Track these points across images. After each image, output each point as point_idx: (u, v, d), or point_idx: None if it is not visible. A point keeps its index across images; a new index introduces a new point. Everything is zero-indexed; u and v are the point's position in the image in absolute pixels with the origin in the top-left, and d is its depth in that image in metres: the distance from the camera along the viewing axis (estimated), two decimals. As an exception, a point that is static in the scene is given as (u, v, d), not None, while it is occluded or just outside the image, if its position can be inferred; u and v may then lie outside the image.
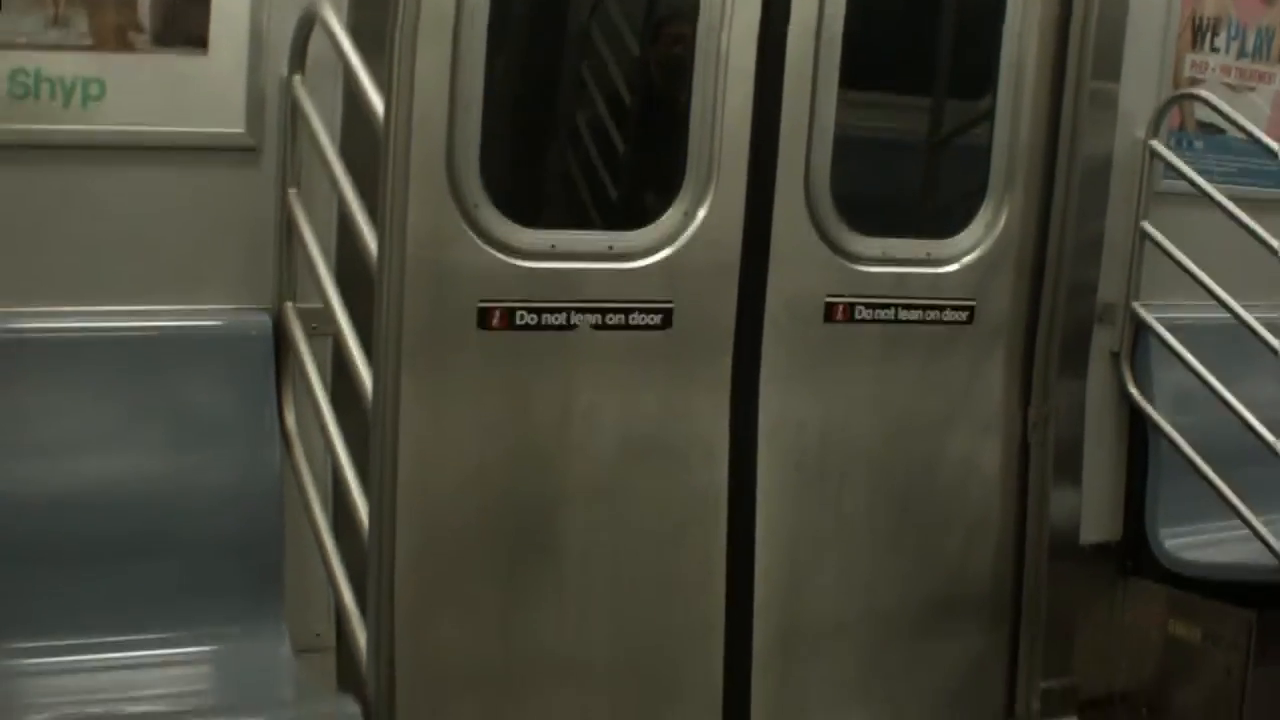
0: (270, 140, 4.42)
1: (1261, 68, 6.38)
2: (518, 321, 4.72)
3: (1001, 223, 5.56)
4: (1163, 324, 5.97)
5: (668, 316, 4.95)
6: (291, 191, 4.39)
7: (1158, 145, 5.95)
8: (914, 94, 5.78)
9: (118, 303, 4.31)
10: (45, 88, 4.18)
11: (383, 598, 3.60)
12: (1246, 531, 5.68)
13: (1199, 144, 6.22)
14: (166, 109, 4.30)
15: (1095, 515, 6.09)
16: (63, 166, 4.25)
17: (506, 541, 4.86)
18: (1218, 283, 5.78)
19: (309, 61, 4.37)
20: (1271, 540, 5.54)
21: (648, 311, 4.92)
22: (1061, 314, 5.63)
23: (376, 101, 3.70)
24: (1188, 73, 6.15)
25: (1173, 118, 6.10)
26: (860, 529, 5.47)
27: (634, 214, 5.09)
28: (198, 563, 4.25)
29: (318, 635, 4.50)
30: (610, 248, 4.91)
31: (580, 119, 5.42)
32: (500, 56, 4.85)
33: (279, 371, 4.43)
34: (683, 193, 4.98)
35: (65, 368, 4.25)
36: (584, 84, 5.45)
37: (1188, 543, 6.02)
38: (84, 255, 4.28)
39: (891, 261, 5.37)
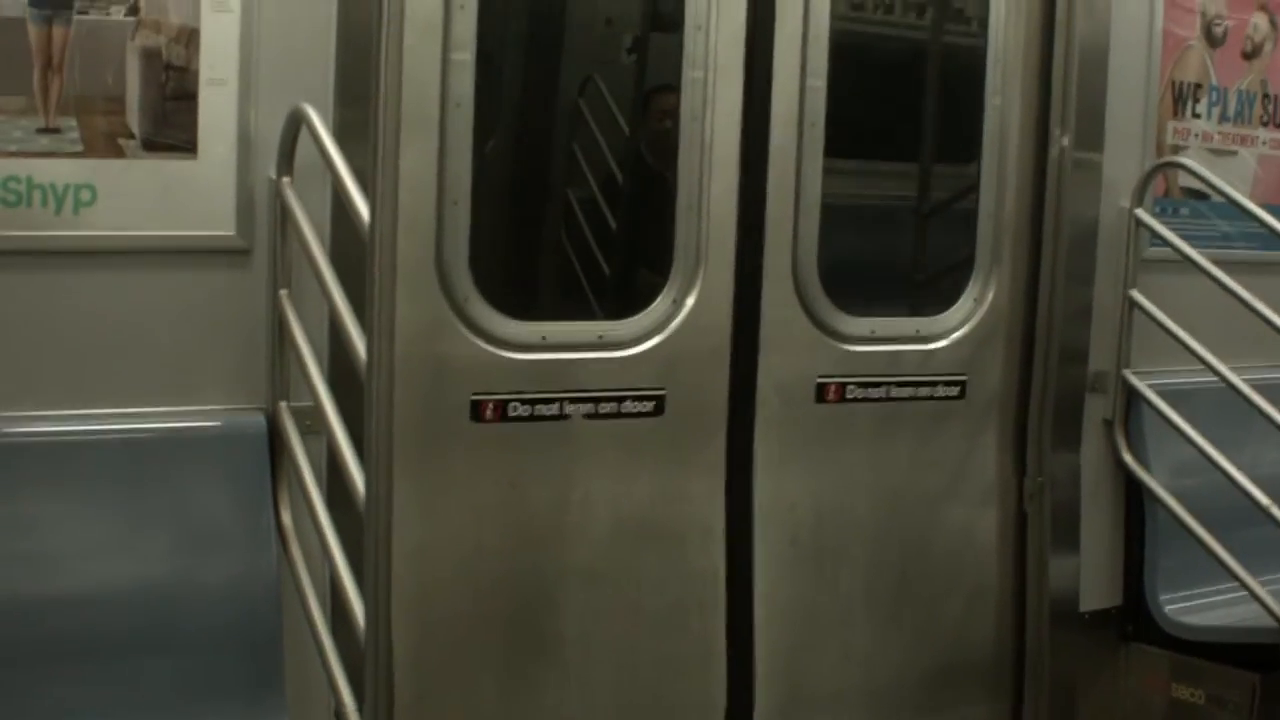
0: (261, 242, 4.45)
1: (1244, 131, 6.42)
2: (510, 413, 4.74)
3: (990, 296, 5.60)
4: (1154, 390, 5.98)
5: (660, 403, 4.97)
6: (283, 292, 4.41)
7: (1143, 214, 5.97)
8: (898, 171, 5.82)
9: (113, 406, 4.32)
10: (37, 194, 4.21)
11: (380, 697, 3.59)
12: (1245, 593, 5.67)
13: (1184, 210, 6.25)
14: (157, 213, 4.34)
15: (1094, 582, 6.09)
16: (55, 272, 4.27)
17: (505, 631, 4.86)
18: (1207, 347, 5.79)
19: (298, 162, 4.39)
20: (1271, 602, 5.54)
21: (640, 399, 4.94)
22: (1053, 384, 5.65)
23: (360, 204, 3.70)
24: (1170, 140, 6.18)
25: (1158, 185, 6.13)
26: (859, 604, 5.47)
27: (624, 303, 5.13)
28: (198, 663, 4.26)
29: (319, 732, 4.51)
30: (601, 337, 4.93)
31: (567, 206, 5.46)
32: (487, 149, 4.89)
33: (275, 470, 4.44)
34: (671, 280, 5.02)
35: (61, 471, 4.27)
36: (571, 176, 5.50)
37: (1188, 607, 6.02)
38: (78, 360, 4.30)
39: (881, 340, 5.40)
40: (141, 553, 4.33)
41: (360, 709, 3.78)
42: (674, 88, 5.06)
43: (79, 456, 4.31)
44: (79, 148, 4.25)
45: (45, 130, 4.21)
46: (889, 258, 5.90)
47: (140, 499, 4.33)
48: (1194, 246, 5.94)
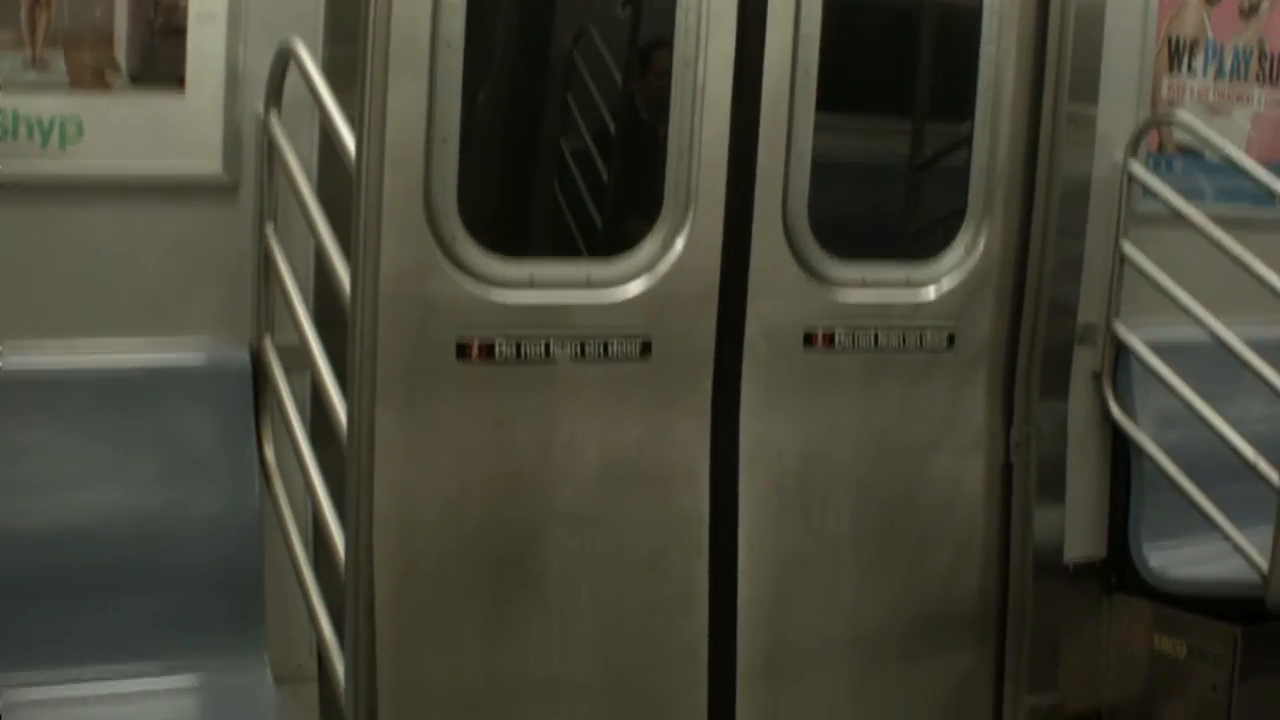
0: (248, 177, 4.45)
1: (1239, 89, 6.40)
2: (497, 354, 4.74)
3: (981, 246, 5.58)
4: (1143, 343, 5.99)
5: (647, 346, 4.96)
6: (269, 227, 4.42)
7: (1136, 167, 5.98)
8: (892, 119, 5.81)
9: (97, 340, 4.34)
10: (24, 128, 4.21)
11: (360, 633, 3.58)
12: (1229, 547, 5.68)
13: (1178, 165, 6.24)
14: (144, 148, 4.34)
15: (1079, 533, 6.11)
16: (42, 206, 4.28)
17: (488, 570, 4.87)
18: (1198, 302, 5.80)
19: (286, 98, 4.39)
20: (1255, 555, 5.53)
21: (627, 341, 4.93)
22: (1042, 335, 5.64)
23: (348, 138, 3.70)
24: (1165, 94, 6.17)
25: (1151, 139, 6.13)
26: (843, 552, 5.47)
27: (612, 244, 5.13)
28: (180, 596, 4.28)
29: (299, 666, 4.51)
30: (589, 278, 4.92)
31: (557, 150, 5.45)
32: (477, 88, 4.88)
33: (258, 406, 4.45)
34: (660, 222, 5.00)
35: (44, 403, 4.29)
36: (561, 115, 5.47)
37: (1172, 559, 6.05)
38: (63, 293, 4.31)
39: (871, 287, 5.39)
40: (124, 487, 4.34)
41: (341, 645, 3.79)
42: (663, 47, 5.04)
43: (62, 390, 4.33)
44: (66, 81, 4.24)
45: (32, 64, 4.21)
46: (881, 206, 5.89)
47: (123, 433, 4.34)
48: (1187, 202, 5.93)
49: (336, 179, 4.09)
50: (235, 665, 4.26)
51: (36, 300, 4.29)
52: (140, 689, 4.18)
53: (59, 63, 4.21)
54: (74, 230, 4.31)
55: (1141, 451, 6.01)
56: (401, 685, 4.59)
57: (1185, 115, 6.08)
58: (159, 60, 4.32)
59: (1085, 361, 6.07)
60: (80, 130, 4.25)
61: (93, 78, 4.25)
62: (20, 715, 4.00)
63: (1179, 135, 6.21)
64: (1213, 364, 5.83)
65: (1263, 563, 5.48)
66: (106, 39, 4.25)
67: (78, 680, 4.14)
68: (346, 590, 3.63)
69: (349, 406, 3.59)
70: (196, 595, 4.29)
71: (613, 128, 5.50)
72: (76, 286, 4.32)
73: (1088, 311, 6.02)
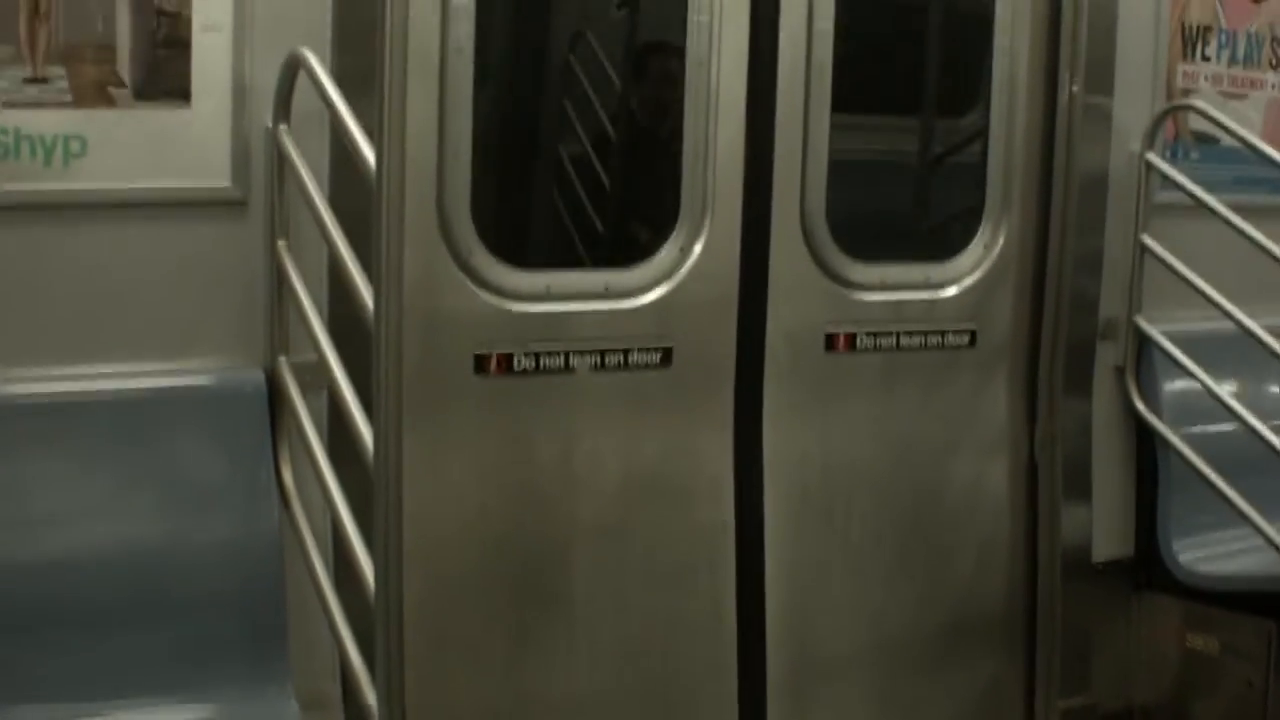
0: (257, 192, 4.38)
1: (1253, 74, 6.35)
2: (515, 366, 4.67)
3: (1000, 243, 5.51)
4: (1166, 337, 5.92)
5: (667, 355, 4.90)
6: (281, 243, 4.34)
7: (1153, 157, 5.91)
8: (906, 116, 5.74)
9: (106, 364, 4.26)
10: (25, 146, 4.14)
11: (391, 657, 3.53)
12: (1260, 541, 5.61)
13: (1195, 154, 6.18)
14: (150, 164, 4.27)
15: (1107, 532, 6.06)
16: (46, 227, 4.21)
17: (512, 587, 4.80)
18: (1220, 292, 5.73)
19: (294, 110, 4.32)
20: (1286, 548, 5.49)
21: (647, 350, 4.87)
22: (1064, 332, 5.58)
23: (367, 150, 3.64)
24: (1180, 83, 6.12)
25: (1167, 129, 6.07)
26: (870, 558, 5.41)
27: (629, 252, 5.04)
28: (200, 625, 4.21)
29: (323, 693, 4.45)
30: (606, 287, 4.85)
31: (571, 158, 5.37)
32: (487, 97, 4.80)
33: (274, 427, 4.38)
34: (678, 229, 4.94)
35: (55, 432, 4.21)
36: (573, 122, 5.40)
37: (1201, 555, 5.98)
38: (70, 317, 4.24)
39: (891, 288, 5.33)
40: (139, 515, 4.28)
41: (368, 669, 3.71)
42: (674, 50, 4.98)
43: (72, 417, 4.26)
44: (68, 98, 4.17)
45: (33, 80, 4.14)
46: (899, 206, 5.83)
47: (136, 460, 4.28)
48: (1205, 191, 5.86)
49: (348, 191, 4.02)
50: (258, 694, 4.19)
51: (42, 325, 4.22)
52: (162, 721, 4.09)
53: (60, 78, 4.13)
54: (79, 251, 4.24)
55: (1167, 446, 5.95)
56: (427, 706, 4.49)
57: (1202, 103, 6.01)
58: (163, 73, 4.25)
59: (1108, 357, 6.01)
60: (84, 147, 4.18)
61: (95, 93, 4.18)
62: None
63: (1194, 123, 6.14)
64: (1236, 356, 5.79)
65: (1295, 556, 5.43)
66: (109, 53, 4.19)
67: (97, 715, 4.06)
68: (376, 612, 3.59)
69: (374, 424, 3.55)
70: (217, 624, 4.22)
71: (626, 132, 5.43)
72: (82, 309, 4.25)
73: (1109, 306, 5.96)
